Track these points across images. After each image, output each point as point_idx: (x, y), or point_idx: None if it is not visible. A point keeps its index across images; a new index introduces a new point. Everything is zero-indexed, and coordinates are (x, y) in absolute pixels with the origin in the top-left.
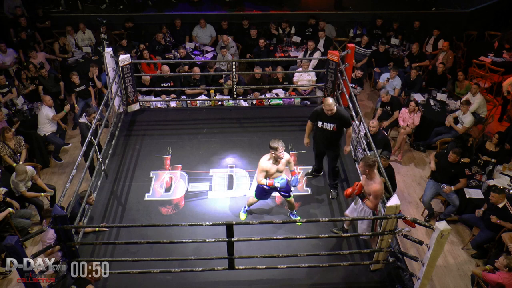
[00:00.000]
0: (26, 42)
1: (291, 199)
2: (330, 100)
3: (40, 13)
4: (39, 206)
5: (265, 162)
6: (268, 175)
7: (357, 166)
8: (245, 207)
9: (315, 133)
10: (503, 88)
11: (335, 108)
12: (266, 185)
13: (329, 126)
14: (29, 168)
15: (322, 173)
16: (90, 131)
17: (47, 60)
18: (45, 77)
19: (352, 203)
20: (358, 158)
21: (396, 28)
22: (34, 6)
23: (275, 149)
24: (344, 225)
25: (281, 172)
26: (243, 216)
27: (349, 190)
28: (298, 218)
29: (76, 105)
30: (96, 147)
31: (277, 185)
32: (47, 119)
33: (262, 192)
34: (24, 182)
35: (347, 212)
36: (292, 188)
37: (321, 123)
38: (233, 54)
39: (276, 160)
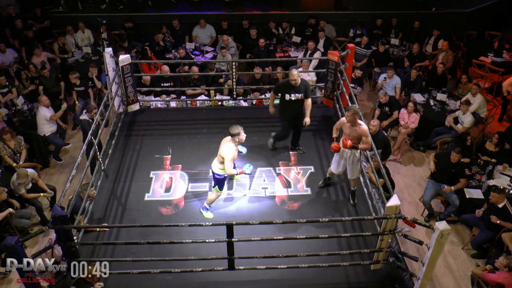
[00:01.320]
0: (31, 40)
1: (216, 189)
2: (294, 71)
3: (39, 13)
4: (38, 207)
5: (233, 150)
6: (233, 160)
7: None
8: (206, 207)
9: (283, 110)
10: (503, 88)
11: (299, 78)
12: (237, 174)
13: (298, 96)
14: (30, 171)
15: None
16: (92, 127)
17: (48, 60)
18: (46, 77)
19: (335, 157)
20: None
21: (395, 24)
22: (32, 6)
23: (238, 134)
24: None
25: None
26: (209, 215)
27: (338, 145)
28: (207, 213)
29: (77, 102)
30: (96, 147)
31: (248, 172)
32: (45, 119)
33: (223, 182)
34: (24, 185)
35: (332, 167)
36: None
37: (288, 95)
38: (233, 54)
39: (237, 144)
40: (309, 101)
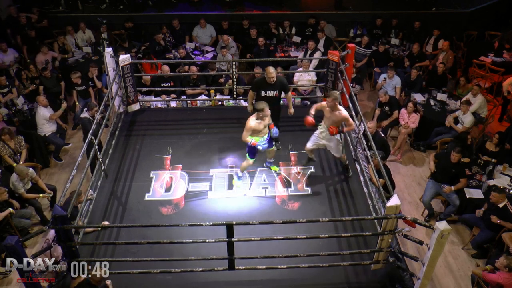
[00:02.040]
0: (33, 40)
1: (273, 148)
2: (271, 69)
3: (36, 13)
4: (37, 207)
5: (253, 122)
6: (256, 132)
7: (356, 165)
8: (238, 174)
9: None
10: (503, 88)
11: (276, 76)
12: (250, 143)
13: (272, 93)
14: (30, 170)
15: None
16: (93, 125)
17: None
18: (46, 77)
19: (314, 134)
20: (358, 157)
21: (395, 24)
22: (31, 6)
23: (262, 109)
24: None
25: (265, 127)
26: (238, 183)
27: (312, 121)
28: (274, 166)
29: (77, 103)
30: (97, 147)
31: (260, 148)
32: (44, 119)
33: (253, 151)
34: (23, 183)
35: (308, 145)
36: (276, 135)
37: (264, 92)
38: (233, 54)
39: (263, 119)
40: (289, 94)
